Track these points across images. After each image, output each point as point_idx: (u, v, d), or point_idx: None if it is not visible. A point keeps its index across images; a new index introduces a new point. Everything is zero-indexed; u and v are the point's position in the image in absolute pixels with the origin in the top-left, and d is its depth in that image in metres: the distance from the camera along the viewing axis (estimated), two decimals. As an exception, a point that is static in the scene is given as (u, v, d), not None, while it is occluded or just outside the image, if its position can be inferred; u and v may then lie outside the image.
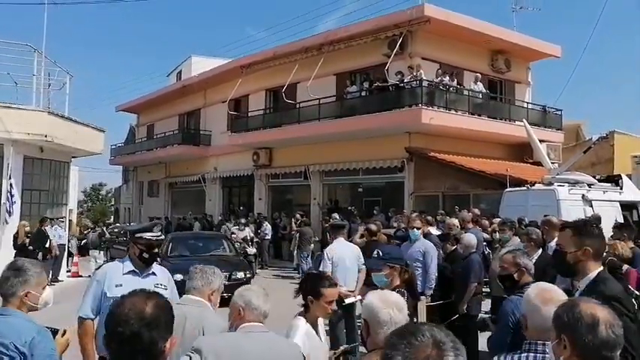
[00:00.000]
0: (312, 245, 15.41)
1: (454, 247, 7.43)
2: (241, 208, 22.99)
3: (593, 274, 2.79)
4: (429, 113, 15.24)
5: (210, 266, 3.33)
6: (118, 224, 21.88)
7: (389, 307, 2.25)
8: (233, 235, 15.54)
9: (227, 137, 22.56)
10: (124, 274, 3.69)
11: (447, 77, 16.59)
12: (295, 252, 16.29)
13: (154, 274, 3.80)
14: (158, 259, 4.08)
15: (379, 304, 2.26)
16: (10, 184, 13.96)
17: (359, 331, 2.35)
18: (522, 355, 2.25)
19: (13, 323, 2.63)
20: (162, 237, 3.90)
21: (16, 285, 2.73)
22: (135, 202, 34.15)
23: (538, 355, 2.21)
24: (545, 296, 2.29)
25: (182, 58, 33.20)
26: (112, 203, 52.64)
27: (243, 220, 16.99)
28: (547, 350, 2.12)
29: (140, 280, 3.67)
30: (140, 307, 1.65)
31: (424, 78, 15.80)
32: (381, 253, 4.20)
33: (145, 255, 3.76)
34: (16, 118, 13.65)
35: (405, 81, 16.16)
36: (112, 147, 33.06)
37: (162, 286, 3.68)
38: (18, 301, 2.72)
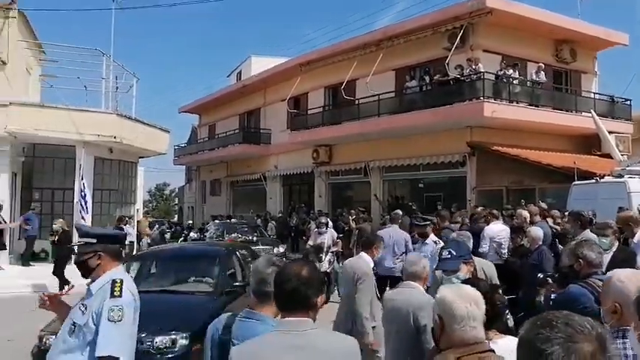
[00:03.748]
0: (373, 242, 15.39)
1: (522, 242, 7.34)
2: (302, 205, 23.30)
3: None
4: (491, 106, 14.98)
5: None
6: (215, 221, 21.20)
7: (466, 301, 2.11)
8: (309, 244, 11.81)
9: (287, 135, 22.92)
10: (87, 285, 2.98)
11: (511, 70, 16.26)
12: (355, 249, 16.37)
13: (89, 291, 2.85)
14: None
15: (455, 298, 2.13)
16: (83, 184, 14.71)
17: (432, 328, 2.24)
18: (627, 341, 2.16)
19: (255, 330, 2.32)
20: (80, 242, 2.97)
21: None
22: (198, 200, 35.22)
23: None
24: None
25: (242, 59, 33.92)
26: (176, 202, 54.42)
27: (323, 220, 12.01)
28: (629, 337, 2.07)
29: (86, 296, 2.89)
30: (298, 270, 2.13)
31: (482, 70, 15.55)
32: (454, 252, 3.77)
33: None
34: (87, 121, 14.42)
35: (465, 74, 15.95)
36: (176, 147, 34.24)
37: (83, 309, 2.78)
38: (271, 307, 2.40)
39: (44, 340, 4.96)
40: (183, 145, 35.47)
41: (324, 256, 11.01)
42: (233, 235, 16.27)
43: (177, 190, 53.46)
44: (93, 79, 16.04)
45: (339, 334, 2.26)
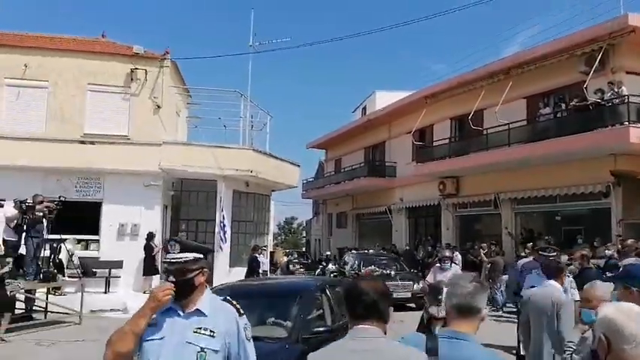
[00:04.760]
0: (506, 276, 14.77)
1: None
2: (429, 238, 22.95)
3: None
4: (637, 131, 13.83)
5: None
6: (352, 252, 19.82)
7: (634, 319, 1.94)
8: (426, 282, 9.51)
9: (412, 168, 22.86)
10: (162, 312, 2.59)
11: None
12: (488, 283, 15.77)
13: (199, 312, 2.62)
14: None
15: (621, 316, 1.95)
16: (223, 216, 15.86)
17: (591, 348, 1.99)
18: None
19: (467, 349, 2.27)
20: (187, 258, 2.63)
21: (482, 300, 2.39)
22: (324, 233, 36.06)
23: None
24: None
25: (366, 94, 34.68)
26: (304, 235, 56.11)
27: (447, 253, 9.70)
28: None
29: (176, 320, 2.59)
30: (375, 285, 2.33)
31: (626, 94, 14.46)
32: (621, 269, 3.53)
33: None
34: (226, 157, 15.66)
35: (606, 98, 14.92)
36: (304, 182, 35.53)
37: (208, 333, 2.57)
38: (473, 323, 2.39)
39: None
40: (310, 180, 36.73)
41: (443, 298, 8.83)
42: (370, 267, 15.49)
43: (304, 223, 55.18)
44: (231, 118, 17.39)
45: (406, 346, 2.26)
